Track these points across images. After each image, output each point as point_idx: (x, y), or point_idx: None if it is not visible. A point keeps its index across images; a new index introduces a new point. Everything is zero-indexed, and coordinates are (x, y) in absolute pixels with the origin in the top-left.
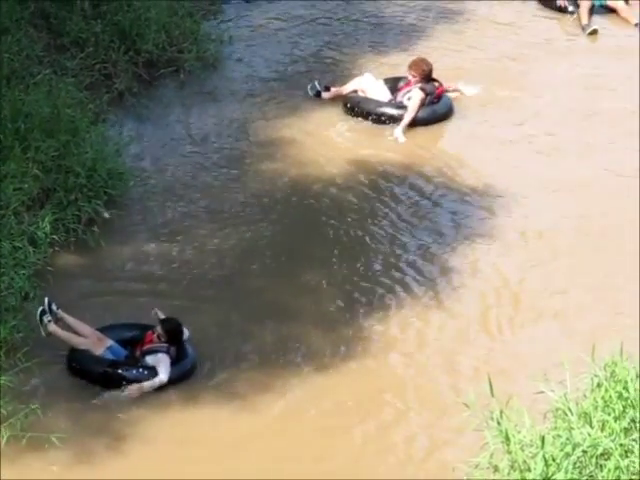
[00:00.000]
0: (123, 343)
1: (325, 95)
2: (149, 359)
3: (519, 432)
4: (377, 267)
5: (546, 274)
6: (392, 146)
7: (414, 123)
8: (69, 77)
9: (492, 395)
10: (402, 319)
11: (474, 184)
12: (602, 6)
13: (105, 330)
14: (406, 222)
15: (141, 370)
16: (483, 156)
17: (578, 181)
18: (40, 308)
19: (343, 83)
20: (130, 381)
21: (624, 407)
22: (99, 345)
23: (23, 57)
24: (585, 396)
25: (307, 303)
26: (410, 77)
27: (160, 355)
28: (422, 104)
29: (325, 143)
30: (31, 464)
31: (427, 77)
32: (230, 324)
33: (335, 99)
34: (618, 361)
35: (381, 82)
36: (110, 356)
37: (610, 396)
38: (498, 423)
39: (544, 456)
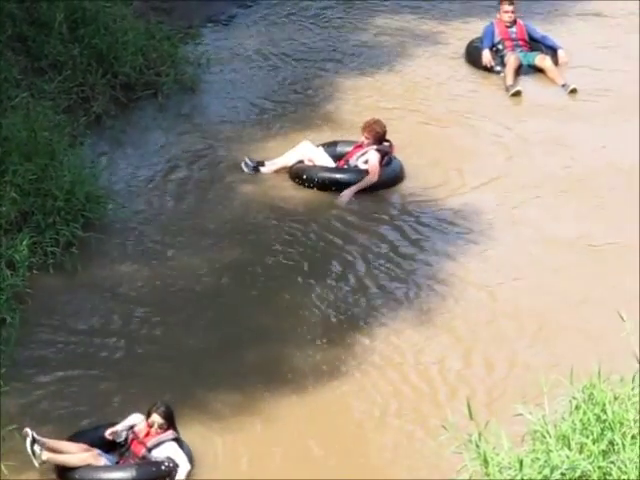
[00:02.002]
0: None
1: (264, 170)
2: (158, 452)
3: (497, 454)
4: (358, 289)
5: (526, 303)
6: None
7: (376, 187)
8: (47, 100)
9: (471, 418)
10: (384, 340)
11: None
12: (530, 65)
13: (78, 438)
14: (388, 243)
15: (167, 464)
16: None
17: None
18: (27, 440)
19: (275, 155)
20: (164, 476)
21: (602, 429)
22: (93, 456)
23: (0, 80)
24: (563, 419)
25: (288, 324)
26: (363, 139)
27: (168, 444)
28: (380, 166)
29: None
30: None
31: (381, 139)
32: (210, 346)
33: (279, 172)
34: (596, 383)
35: (321, 149)
36: (108, 463)
37: (588, 418)
38: (477, 445)
39: (522, 479)
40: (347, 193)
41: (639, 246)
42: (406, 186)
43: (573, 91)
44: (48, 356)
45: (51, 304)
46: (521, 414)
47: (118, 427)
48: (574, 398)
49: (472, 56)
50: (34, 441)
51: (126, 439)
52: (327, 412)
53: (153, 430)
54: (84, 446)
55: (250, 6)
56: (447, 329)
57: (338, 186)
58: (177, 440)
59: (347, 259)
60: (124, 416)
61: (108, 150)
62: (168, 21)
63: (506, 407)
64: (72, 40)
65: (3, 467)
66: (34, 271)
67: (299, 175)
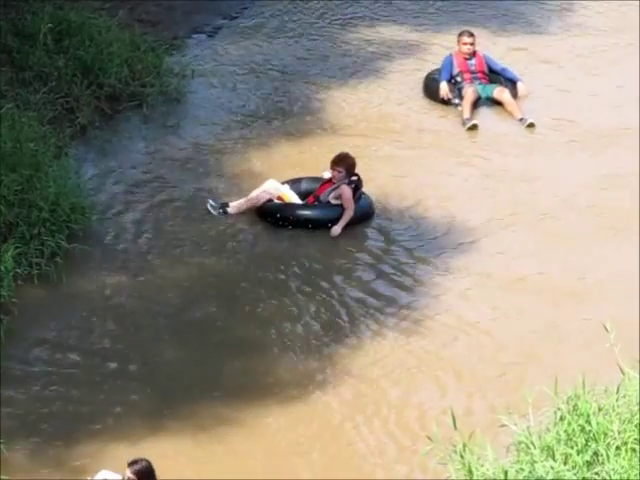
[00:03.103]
0: None
1: (231, 211)
2: None
3: (482, 465)
4: (342, 301)
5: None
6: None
7: (348, 223)
8: (32, 111)
9: (455, 428)
10: (366, 351)
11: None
12: (488, 98)
13: None
14: (369, 255)
15: None
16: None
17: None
18: None
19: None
20: None
21: (586, 440)
22: None
23: None
24: (548, 429)
25: (271, 336)
26: (335, 173)
27: None
28: (353, 200)
29: (291, 176)
30: None
31: (352, 172)
32: (193, 358)
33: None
34: (580, 394)
35: (286, 186)
36: None
37: (573, 429)
38: (461, 456)
39: None
40: (337, 228)
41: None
42: (375, 221)
43: (530, 125)
44: (31, 367)
45: (35, 315)
46: (506, 425)
47: None
48: (559, 409)
49: (430, 89)
50: None
51: None
52: (310, 422)
53: None
54: None
55: (235, 18)
56: (429, 347)
57: (314, 223)
58: None
59: (338, 266)
60: (106, 430)
61: (93, 161)
62: (153, 32)
63: (491, 418)
64: (57, 51)
65: None
66: (19, 282)
67: (272, 214)
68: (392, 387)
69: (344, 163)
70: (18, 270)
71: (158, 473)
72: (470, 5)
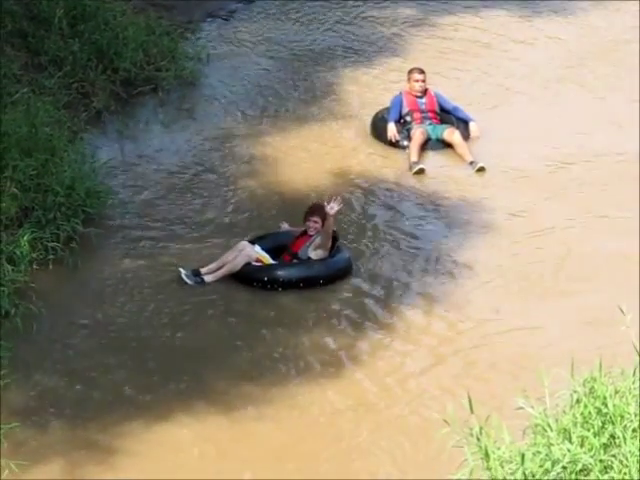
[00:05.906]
0: None
1: (209, 279)
2: None
3: (499, 448)
4: (359, 282)
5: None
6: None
7: (331, 279)
8: (47, 96)
9: (471, 411)
10: (383, 333)
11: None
12: (439, 140)
13: None
14: (394, 234)
15: None
16: None
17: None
18: None
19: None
20: None
21: (603, 423)
22: None
23: (0, 76)
24: (564, 412)
25: (295, 318)
26: (311, 224)
27: None
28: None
29: (307, 158)
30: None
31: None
32: (217, 337)
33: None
34: (597, 377)
35: (257, 247)
36: None
37: (589, 412)
38: (477, 439)
39: (524, 472)
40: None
41: None
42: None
43: (480, 169)
44: (47, 352)
45: (52, 299)
46: (522, 408)
47: None
48: (575, 392)
49: (378, 129)
50: None
51: None
52: (328, 405)
53: None
54: None
55: (250, 1)
56: (445, 325)
57: (307, 282)
58: None
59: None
60: (130, 410)
61: (108, 145)
62: (168, 16)
63: (507, 401)
64: (72, 36)
65: (13, 465)
66: (34, 266)
67: (258, 277)
68: (409, 371)
69: (320, 213)
70: (34, 255)
71: (191, 454)
72: None
